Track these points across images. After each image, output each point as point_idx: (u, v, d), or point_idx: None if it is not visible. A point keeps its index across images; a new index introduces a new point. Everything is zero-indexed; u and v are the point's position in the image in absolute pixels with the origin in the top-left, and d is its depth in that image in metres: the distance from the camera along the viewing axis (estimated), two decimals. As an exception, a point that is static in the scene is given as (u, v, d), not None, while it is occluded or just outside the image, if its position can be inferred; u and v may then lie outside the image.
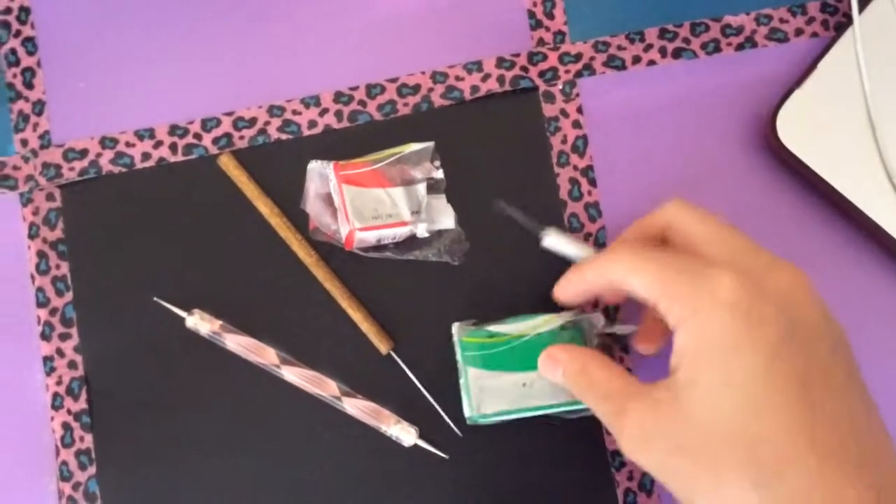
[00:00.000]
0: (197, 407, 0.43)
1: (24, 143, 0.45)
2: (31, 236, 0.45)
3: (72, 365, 0.44)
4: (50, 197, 0.45)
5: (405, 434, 0.43)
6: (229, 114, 0.45)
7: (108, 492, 0.43)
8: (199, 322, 0.43)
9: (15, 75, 0.46)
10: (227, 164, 0.44)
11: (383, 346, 0.43)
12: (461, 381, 0.41)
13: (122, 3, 0.46)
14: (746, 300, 0.31)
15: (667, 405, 0.32)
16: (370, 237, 0.43)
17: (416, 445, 0.43)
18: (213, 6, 0.46)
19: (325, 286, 0.44)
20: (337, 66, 0.46)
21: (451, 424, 0.43)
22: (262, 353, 0.43)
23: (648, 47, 0.46)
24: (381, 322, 0.44)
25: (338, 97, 0.45)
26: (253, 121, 0.45)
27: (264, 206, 0.44)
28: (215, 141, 0.45)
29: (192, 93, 0.46)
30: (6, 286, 0.45)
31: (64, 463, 0.43)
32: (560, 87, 0.45)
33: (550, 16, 0.46)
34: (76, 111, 0.46)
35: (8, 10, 0.46)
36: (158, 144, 0.45)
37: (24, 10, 0.46)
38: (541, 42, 0.46)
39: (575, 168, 0.45)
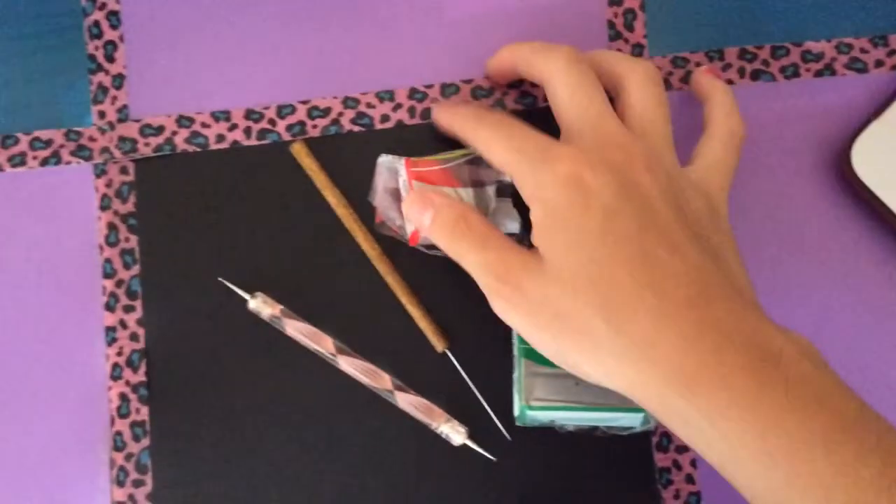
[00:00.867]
0: (252, 389, 0.44)
1: (102, 115, 0.46)
2: (103, 208, 0.45)
3: (133, 337, 0.45)
4: (123, 170, 0.46)
5: (455, 433, 0.43)
6: (304, 102, 0.46)
7: (160, 464, 0.44)
8: (262, 305, 0.44)
9: (97, 48, 0.47)
10: (300, 151, 0.45)
11: (439, 344, 0.44)
12: (514, 374, 0.41)
13: (208, -16, 0.47)
14: (578, 174, 0.35)
15: (535, 265, 0.36)
16: None
17: (464, 445, 0.43)
18: (296, -6, 0.47)
19: (387, 280, 0.44)
20: (414, 63, 0.46)
21: (501, 427, 0.43)
22: (319, 341, 0.44)
23: (727, 67, 0.45)
24: (439, 320, 0.44)
25: (412, 93, 0.46)
26: (327, 110, 0.46)
27: (332, 197, 0.45)
28: (289, 128, 0.46)
29: (270, 79, 0.46)
30: (74, 255, 0.45)
31: (118, 433, 0.44)
32: (635, 100, 0.45)
33: (630, 28, 0.46)
34: (155, 88, 0.46)
35: (95, -17, 0.47)
36: (233, 127, 0.46)
37: (111, -16, 0.47)
38: (619, 54, 0.46)
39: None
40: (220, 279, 0.44)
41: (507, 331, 0.42)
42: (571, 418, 0.41)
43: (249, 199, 0.45)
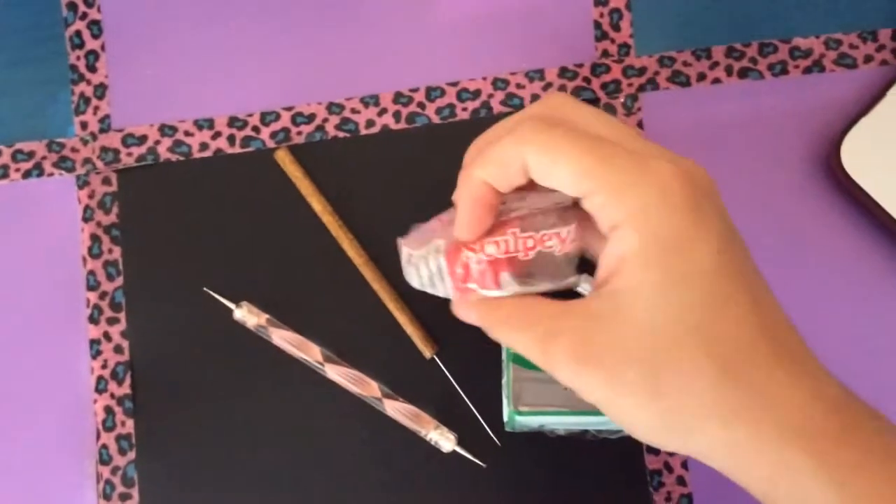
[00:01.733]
0: (239, 399, 0.44)
1: (84, 125, 0.46)
2: (86, 219, 0.45)
3: (118, 349, 0.44)
4: (106, 181, 0.45)
5: (444, 440, 0.42)
6: (288, 108, 0.45)
7: (147, 478, 0.43)
8: (247, 315, 0.43)
9: (79, 57, 0.46)
10: (284, 158, 0.44)
11: (427, 350, 0.43)
12: (503, 380, 0.41)
13: (188, -8, 0.47)
14: (692, 192, 0.28)
15: (608, 317, 0.28)
16: None
17: (454, 452, 0.42)
18: (280, 0, 0.46)
19: (373, 287, 0.44)
20: (398, 67, 0.46)
21: (491, 433, 0.43)
22: (306, 350, 0.43)
23: (714, 65, 0.45)
24: (426, 326, 0.44)
25: (397, 98, 0.45)
26: (311, 117, 0.45)
27: (317, 203, 0.44)
28: (273, 135, 0.45)
29: (253, 85, 0.46)
30: (57, 268, 0.45)
31: (104, 446, 0.44)
32: (622, 100, 0.45)
33: (617, 27, 0.46)
34: (137, 97, 0.46)
35: (75, -7, 0.47)
36: (217, 135, 0.45)
37: (92, -6, 0.47)
38: (605, 54, 0.45)
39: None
40: (205, 289, 0.44)
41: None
42: (561, 423, 0.40)
43: (234, 207, 0.45)
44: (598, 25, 0.46)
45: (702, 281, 0.28)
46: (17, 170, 0.45)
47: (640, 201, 0.28)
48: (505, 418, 0.41)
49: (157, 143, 0.45)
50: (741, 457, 0.28)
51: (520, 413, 0.40)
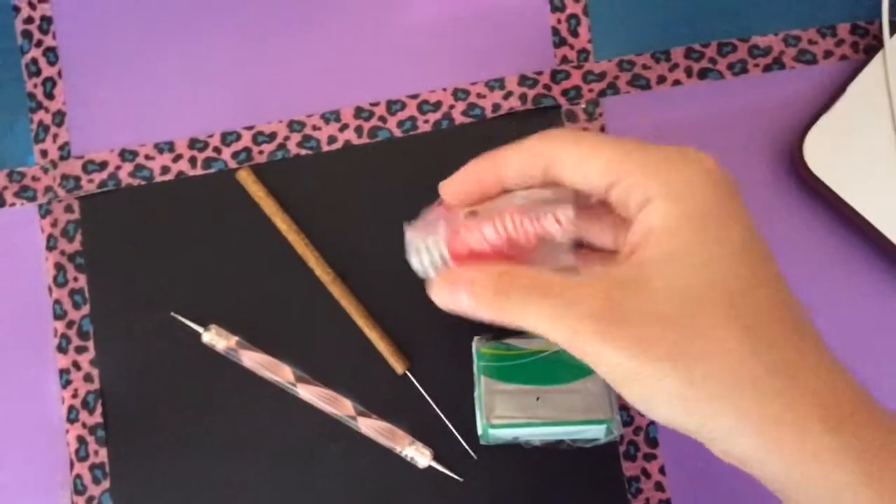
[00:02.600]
0: (212, 423, 0.43)
1: (44, 153, 0.45)
2: (49, 248, 0.45)
3: (88, 378, 0.44)
4: (69, 209, 0.45)
5: (420, 455, 0.42)
6: (249, 128, 0.45)
7: (122, 506, 0.43)
8: (216, 338, 0.43)
9: (36, 85, 0.46)
10: (246, 178, 0.44)
11: (399, 366, 0.43)
12: (475, 392, 0.41)
13: (143, 15, 0.46)
14: (730, 179, 0.30)
15: (637, 283, 0.28)
16: None
17: (430, 467, 0.42)
18: (234, 20, 0.46)
19: (342, 304, 0.43)
20: (358, 82, 0.46)
21: (466, 447, 0.43)
22: (277, 371, 0.43)
23: (674, 67, 0.45)
24: (398, 342, 0.43)
25: (358, 113, 0.45)
26: (273, 135, 0.45)
27: (282, 223, 0.44)
28: (235, 155, 0.45)
29: (213, 106, 0.45)
30: (23, 298, 0.45)
31: (78, 476, 0.43)
32: (583, 105, 0.45)
33: (575, 34, 0.45)
34: (96, 123, 0.46)
35: (30, 20, 0.46)
36: (178, 158, 0.45)
37: (46, 20, 0.46)
38: (564, 60, 0.45)
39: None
40: (172, 314, 0.44)
41: (467, 348, 0.41)
42: (535, 434, 0.40)
43: (198, 230, 0.45)
44: (556, 32, 0.46)
45: (737, 257, 0.29)
46: (-22, 201, 0.45)
47: (683, 175, 0.29)
48: (479, 431, 0.40)
49: (118, 168, 0.45)
50: (770, 434, 0.27)
51: (493, 426, 0.39)
